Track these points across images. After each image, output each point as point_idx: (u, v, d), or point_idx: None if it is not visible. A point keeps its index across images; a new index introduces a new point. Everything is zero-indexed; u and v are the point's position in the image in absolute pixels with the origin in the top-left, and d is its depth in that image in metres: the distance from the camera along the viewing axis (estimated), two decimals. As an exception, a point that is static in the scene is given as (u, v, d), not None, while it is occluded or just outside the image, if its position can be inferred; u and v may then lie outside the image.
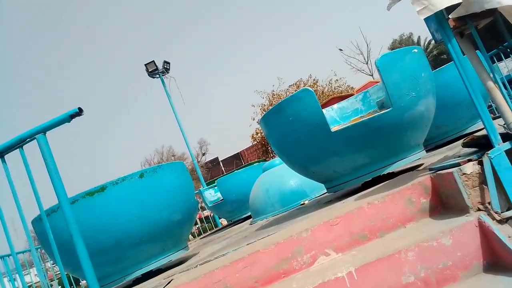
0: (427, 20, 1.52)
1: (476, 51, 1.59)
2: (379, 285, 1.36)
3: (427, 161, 2.39)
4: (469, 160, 1.46)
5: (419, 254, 1.37)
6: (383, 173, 2.33)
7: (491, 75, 1.55)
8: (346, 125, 2.27)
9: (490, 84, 1.52)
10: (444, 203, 1.62)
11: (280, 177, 3.94)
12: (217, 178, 6.20)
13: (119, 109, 56.68)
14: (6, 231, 1.92)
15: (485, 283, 1.28)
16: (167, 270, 2.77)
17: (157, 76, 12.09)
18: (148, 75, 12.02)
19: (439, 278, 1.35)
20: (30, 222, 2.62)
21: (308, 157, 2.48)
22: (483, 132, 1.51)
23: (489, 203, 1.41)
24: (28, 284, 7.28)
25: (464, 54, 1.55)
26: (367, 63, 23.90)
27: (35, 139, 1.76)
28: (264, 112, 11.39)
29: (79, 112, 1.78)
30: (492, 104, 3.64)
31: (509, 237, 1.31)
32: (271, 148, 17.21)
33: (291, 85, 22.08)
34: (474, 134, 1.64)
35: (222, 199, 5.63)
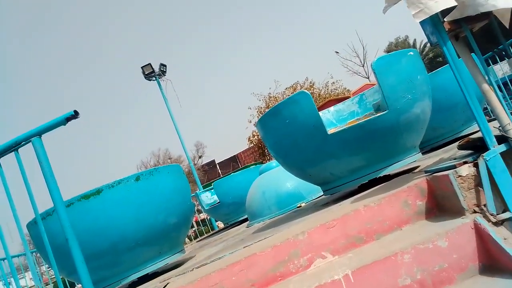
0: (422, 23, 1.53)
1: (471, 53, 1.60)
2: (375, 288, 1.36)
3: (423, 164, 2.40)
4: (465, 163, 1.46)
5: (415, 256, 1.37)
6: (380, 175, 2.34)
7: (486, 78, 1.56)
8: (343, 128, 2.28)
9: (485, 86, 1.53)
10: (440, 205, 1.62)
11: (276, 179, 3.93)
12: (214, 181, 6.19)
13: (116, 111, 56.68)
14: (1, 235, 1.91)
15: (481, 285, 1.28)
16: (163, 274, 2.75)
17: (154, 78, 12.07)
18: (145, 77, 11.99)
19: (435, 280, 1.35)
20: (25, 225, 2.60)
21: (305, 159, 2.48)
22: (479, 134, 1.52)
23: (484, 205, 1.41)
24: (23, 288, 7.22)
25: (459, 57, 1.56)
26: (363, 66, 24.05)
27: (31, 142, 1.75)
28: (260, 115, 11.41)
29: (75, 115, 1.77)
30: (488, 107, 3.67)
31: (505, 239, 1.32)
32: (267, 151, 17.22)
33: (287, 88, 22.14)
34: (469, 137, 1.65)
35: (219, 202, 5.62)
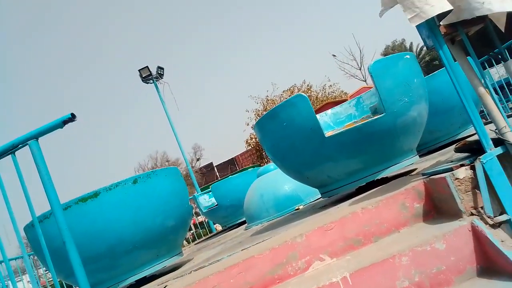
0: (418, 27, 1.54)
1: (467, 57, 1.61)
2: (373, 290, 1.36)
3: (420, 166, 2.41)
4: (462, 165, 1.47)
5: (413, 258, 1.38)
6: (377, 178, 2.34)
7: (482, 81, 1.57)
8: (340, 131, 2.28)
9: (481, 89, 1.54)
10: (438, 207, 1.63)
11: (274, 182, 3.93)
12: (212, 184, 6.18)
13: (114, 112, 56.48)
14: (-2, 238, 1.90)
15: None
16: (161, 277, 2.75)
17: (151, 81, 12.07)
18: (142, 80, 11.99)
19: (433, 282, 1.35)
20: (22, 228, 2.59)
21: (302, 162, 2.48)
22: (475, 137, 1.52)
23: (481, 207, 1.42)
24: (20, 292, 7.17)
25: (455, 60, 1.57)
26: (360, 69, 24.09)
27: (27, 145, 1.75)
28: (258, 118, 11.41)
29: (72, 118, 1.77)
30: (484, 110, 3.69)
31: (502, 241, 1.32)
32: (265, 154, 17.22)
33: (285, 91, 22.16)
34: (466, 139, 1.65)
35: (217, 205, 5.61)
